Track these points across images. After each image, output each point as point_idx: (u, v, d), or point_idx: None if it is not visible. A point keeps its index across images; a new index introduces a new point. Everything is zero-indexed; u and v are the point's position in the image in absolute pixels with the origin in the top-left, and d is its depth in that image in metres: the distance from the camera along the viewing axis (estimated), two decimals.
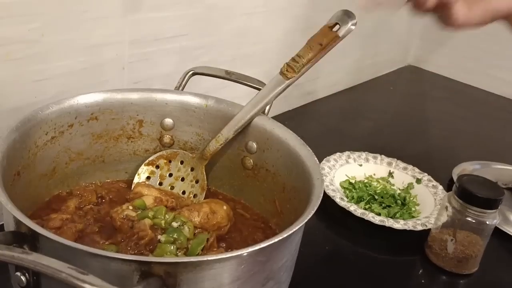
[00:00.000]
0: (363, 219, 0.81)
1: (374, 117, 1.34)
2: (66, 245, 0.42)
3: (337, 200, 0.84)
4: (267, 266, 0.49)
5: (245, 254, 0.45)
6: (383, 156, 1.00)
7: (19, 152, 0.57)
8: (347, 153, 0.98)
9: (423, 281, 0.77)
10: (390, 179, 0.96)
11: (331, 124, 1.29)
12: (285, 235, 0.47)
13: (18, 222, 0.44)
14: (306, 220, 0.49)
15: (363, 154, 0.99)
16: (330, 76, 1.35)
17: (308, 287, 0.69)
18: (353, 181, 0.92)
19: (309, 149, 0.63)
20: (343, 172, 0.94)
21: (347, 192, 0.89)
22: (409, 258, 0.81)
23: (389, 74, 1.63)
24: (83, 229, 0.60)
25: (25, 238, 0.44)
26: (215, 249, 0.61)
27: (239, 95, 0.95)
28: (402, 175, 0.96)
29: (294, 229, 0.48)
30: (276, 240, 0.46)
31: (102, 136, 0.69)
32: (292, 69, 0.66)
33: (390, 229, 0.81)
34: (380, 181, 0.95)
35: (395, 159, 0.99)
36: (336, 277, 0.74)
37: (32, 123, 0.59)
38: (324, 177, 0.75)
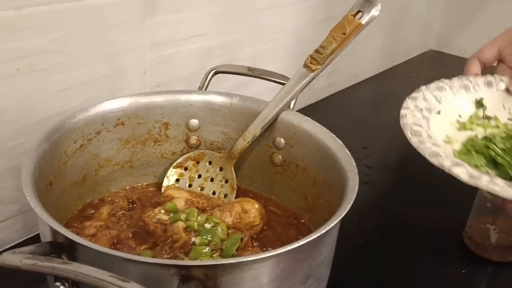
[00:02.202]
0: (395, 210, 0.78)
1: (399, 106, 1.31)
2: (105, 253, 0.41)
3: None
4: (305, 264, 0.48)
5: (283, 252, 0.44)
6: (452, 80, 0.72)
7: (50, 162, 0.57)
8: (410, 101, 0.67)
9: (463, 271, 0.75)
10: (481, 110, 0.71)
11: (355, 115, 1.26)
12: (322, 231, 0.46)
13: (54, 232, 0.44)
14: (343, 215, 0.48)
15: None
16: (351, 66, 1.33)
17: (345, 280, 0.68)
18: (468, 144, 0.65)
19: (339, 141, 0.61)
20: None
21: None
22: (446, 248, 0.79)
23: (410, 61, 1.60)
24: (117, 235, 0.60)
25: (62, 248, 0.44)
26: (249, 248, 0.61)
27: (261, 92, 0.95)
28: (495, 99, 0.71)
29: (332, 225, 0.47)
30: (314, 237, 0.45)
31: (129, 141, 0.69)
32: (316, 61, 0.65)
33: (422, 218, 0.78)
34: (476, 122, 0.70)
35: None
36: (372, 269, 0.73)
37: (61, 133, 0.59)
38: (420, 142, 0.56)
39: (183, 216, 0.61)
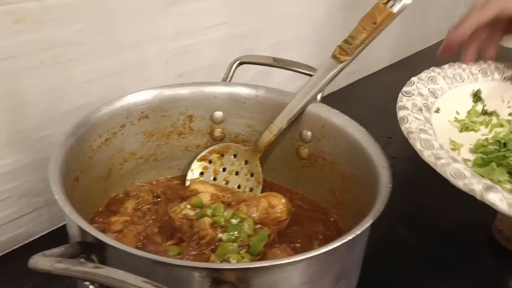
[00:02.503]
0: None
1: None
2: (135, 255, 0.40)
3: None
4: (339, 265, 0.47)
5: (317, 255, 0.42)
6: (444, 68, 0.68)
7: (76, 157, 0.56)
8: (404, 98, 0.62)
9: (493, 265, 0.73)
10: (479, 105, 0.66)
11: (378, 103, 1.23)
12: (358, 232, 0.45)
13: (83, 232, 0.44)
14: (378, 215, 0.47)
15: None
16: (373, 53, 1.30)
17: (373, 276, 0.66)
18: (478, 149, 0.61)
19: (370, 135, 0.60)
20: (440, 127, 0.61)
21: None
22: (475, 242, 0.77)
23: (433, 47, 1.56)
24: (143, 230, 0.60)
25: (92, 248, 0.43)
26: (277, 245, 0.60)
27: (283, 81, 0.93)
28: (492, 91, 0.67)
29: (366, 225, 0.46)
30: (349, 238, 0.44)
31: (153, 134, 0.68)
32: (345, 51, 0.63)
33: (450, 211, 0.76)
34: (476, 119, 0.66)
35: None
36: (400, 264, 0.71)
37: (87, 127, 0.58)
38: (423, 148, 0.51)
39: (209, 212, 0.60)
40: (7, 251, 0.71)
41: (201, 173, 0.71)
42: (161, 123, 0.68)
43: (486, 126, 0.68)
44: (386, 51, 1.35)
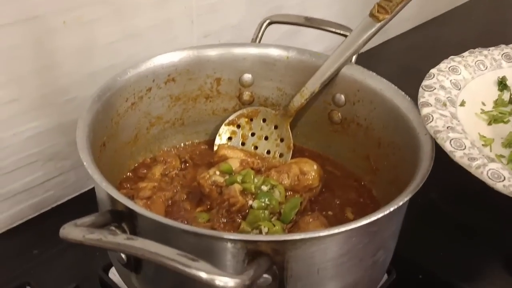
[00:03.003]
0: None
1: (455, 52, 1.22)
2: (168, 225, 0.39)
3: None
4: (377, 236, 0.45)
5: (357, 227, 0.40)
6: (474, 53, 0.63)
7: (103, 122, 0.55)
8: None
9: None
10: (505, 93, 0.62)
11: (408, 63, 1.18)
12: (400, 203, 0.42)
13: (114, 201, 0.42)
14: (421, 185, 0.44)
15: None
16: (402, 11, 1.24)
17: (408, 244, 0.64)
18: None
19: (410, 100, 0.56)
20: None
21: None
22: (509, 210, 0.74)
23: (466, 4, 1.48)
24: (171, 197, 0.58)
25: (122, 217, 0.42)
26: (309, 212, 0.58)
27: (312, 41, 0.89)
28: None
29: (408, 197, 0.43)
30: (391, 209, 0.42)
31: (180, 98, 0.66)
32: (385, 9, 0.59)
33: None
34: (504, 110, 0.62)
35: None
36: (436, 234, 0.69)
37: (112, 91, 0.56)
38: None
39: (239, 178, 0.58)
40: (35, 215, 0.71)
41: (229, 138, 0.69)
42: (188, 87, 0.65)
43: None
44: (415, 9, 1.29)
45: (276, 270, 0.40)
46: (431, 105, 0.53)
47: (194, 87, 0.66)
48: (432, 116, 0.51)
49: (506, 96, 0.66)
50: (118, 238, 0.35)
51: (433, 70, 0.58)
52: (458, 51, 1.18)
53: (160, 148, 0.67)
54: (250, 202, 0.56)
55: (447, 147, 0.46)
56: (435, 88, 0.56)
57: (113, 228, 0.42)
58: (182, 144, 0.69)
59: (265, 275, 0.39)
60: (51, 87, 0.64)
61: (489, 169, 0.44)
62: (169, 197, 0.58)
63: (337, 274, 0.44)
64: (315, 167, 0.62)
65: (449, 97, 0.57)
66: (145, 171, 0.63)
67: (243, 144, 0.68)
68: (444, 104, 0.55)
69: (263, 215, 0.55)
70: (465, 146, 0.47)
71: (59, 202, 0.73)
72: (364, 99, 0.61)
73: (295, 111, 0.65)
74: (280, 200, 0.57)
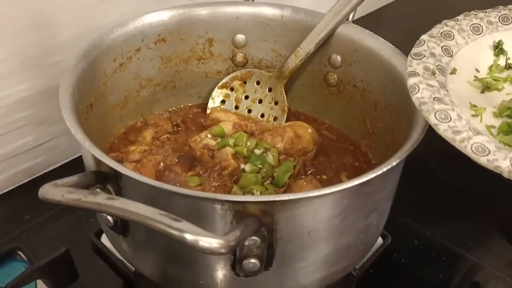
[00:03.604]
0: None
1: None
2: (153, 186, 0.38)
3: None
4: (370, 198, 0.44)
5: (348, 187, 0.39)
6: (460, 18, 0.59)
7: (89, 82, 0.53)
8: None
9: None
10: (501, 58, 0.59)
11: (411, 28, 1.14)
12: (394, 164, 0.41)
13: (98, 161, 0.41)
14: (415, 146, 0.43)
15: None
16: None
17: (404, 208, 0.63)
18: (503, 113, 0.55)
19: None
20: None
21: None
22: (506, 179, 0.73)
23: None
24: (162, 160, 0.57)
25: (107, 178, 0.41)
26: (303, 176, 0.57)
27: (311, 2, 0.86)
28: None
29: (402, 157, 0.42)
30: (384, 170, 0.40)
31: (171, 59, 0.64)
32: None
33: None
34: (499, 75, 0.59)
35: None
36: (433, 198, 0.68)
37: (99, 50, 0.54)
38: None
39: (231, 141, 0.57)
40: (26, 180, 0.70)
41: (223, 101, 0.67)
42: (179, 47, 0.63)
43: (511, 83, 0.59)
44: None
45: (265, 232, 0.39)
46: (419, 75, 0.50)
47: (186, 48, 0.64)
48: (418, 86, 0.48)
49: (502, 61, 0.63)
50: (98, 198, 0.34)
51: (424, 36, 0.55)
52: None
53: (151, 112, 0.65)
54: (243, 165, 0.55)
55: (432, 119, 0.44)
56: (424, 56, 0.53)
57: (98, 190, 0.41)
58: (174, 108, 0.67)
59: (253, 237, 0.38)
60: (38, 48, 0.62)
61: (474, 143, 0.42)
62: (159, 160, 0.57)
63: (329, 236, 0.43)
64: (309, 130, 0.60)
65: (439, 65, 0.53)
66: (136, 135, 0.61)
67: (236, 107, 0.67)
68: (433, 73, 0.52)
69: (255, 178, 0.54)
70: (451, 118, 0.45)
71: (50, 168, 0.72)
72: (361, 59, 0.59)
73: (289, 73, 0.63)
74: (273, 163, 0.56)
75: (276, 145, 0.58)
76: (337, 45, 0.61)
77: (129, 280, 0.55)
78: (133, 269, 0.53)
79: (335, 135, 0.64)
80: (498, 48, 0.62)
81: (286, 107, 0.65)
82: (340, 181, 0.58)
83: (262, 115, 0.66)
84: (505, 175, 0.41)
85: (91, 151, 0.40)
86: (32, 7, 0.59)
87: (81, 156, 0.72)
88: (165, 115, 0.65)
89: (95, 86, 0.54)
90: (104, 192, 0.41)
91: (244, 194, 0.53)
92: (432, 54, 0.53)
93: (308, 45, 0.60)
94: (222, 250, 0.32)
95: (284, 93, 0.64)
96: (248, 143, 0.57)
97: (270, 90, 0.65)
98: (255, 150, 0.57)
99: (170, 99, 0.66)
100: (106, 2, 0.65)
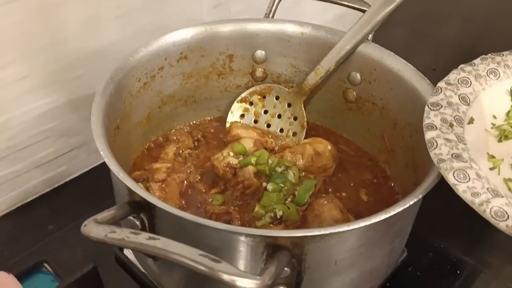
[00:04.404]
0: None
1: (471, 16, 1.18)
2: (186, 219, 0.39)
3: None
4: (395, 226, 0.45)
5: (376, 222, 0.40)
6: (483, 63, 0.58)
7: (116, 105, 0.54)
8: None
9: None
10: None
11: (419, 28, 1.15)
12: (420, 197, 0.42)
13: (131, 192, 0.42)
14: (441, 176, 0.44)
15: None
16: None
17: (420, 224, 0.65)
18: None
19: (429, 82, 0.55)
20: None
21: None
22: None
23: None
24: (186, 178, 0.58)
25: (141, 207, 0.42)
26: (323, 195, 0.58)
27: (328, 18, 0.86)
28: None
29: (428, 189, 0.43)
30: (411, 203, 0.41)
31: (192, 75, 0.64)
32: None
33: None
34: None
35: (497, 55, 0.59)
36: (447, 211, 0.69)
37: (125, 72, 0.55)
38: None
39: (253, 160, 0.58)
40: (48, 190, 0.71)
41: (242, 115, 0.68)
42: (200, 64, 0.64)
43: None
44: None
45: (294, 262, 0.40)
46: (436, 128, 0.50)
47: (207, 64, 0.64)
48: (436, 142, 0.48)
49: None
50: (140, 238, 0.35)
51: (441, 84, 0.55)
52: (473, 15, 1.13)
53: (172, 126, 0.66)
54: (265, 184, 0.56)
55: (450, 179, 0.45)
56: (441, 106, 0.52)
57: (131, 218, 0.42)
58: (194, 122, 0.68)
59: (284, 268, 0.40)
60: (59, 63, 0.63)
61: (492, 207, 0.43)
62: (183, 179, 0.58)
63: (355, 263, 0.44)
64: (329, 147, 0.61)
65: (456, 115, 0.53)
66: (159, 151, 0.62)
67: (255, 121, 0.68)
68: (451, 125, 0.52)
69: (277, 197, 0.55)
70: (469, 178, 0.45)
71: (71, 177, 0.73)
72: (380, 78, 0.60)
73: (309, 90, 0.64)
74: (294, 181, 0.57)
75: (297, 163, 0.59)
76: (357, 63, 0.61)
77: None
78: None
79: (354, 150, 0.66)
80: None
81: (305, 123, 0.66)
82: (359, 199, 0.60)
83: (281, 130, 0.67)
84: None
85: (126, 183, 0.41)
86: (52, 23, 0.60)
87: (100, 164, 0.74)
88: (186, 130, 0.66)
89: (121, 108, 0.55)
90: (138, 221, 0.42)
91: (266, 213, 0.54)
92: (450, 104, 0.53)
93: (328, 63, 0.61)
94: None
95: (303, 109, 0.65)
96: (270, 161, 0.58)
97: (289, 105, 0.66)
98: (276, 168, 0.58)
99: (190, 113, 0.68)
100: (123, 17, 0.66)
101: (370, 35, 0.60)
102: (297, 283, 0.42)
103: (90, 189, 0.70)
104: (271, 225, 0.53)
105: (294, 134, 0.66)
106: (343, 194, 0.59)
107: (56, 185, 0.72)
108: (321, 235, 0.39)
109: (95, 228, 0.36)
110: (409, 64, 0.57)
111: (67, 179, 0.73)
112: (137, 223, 0.41)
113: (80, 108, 0.67)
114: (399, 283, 0.60)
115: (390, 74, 0.58)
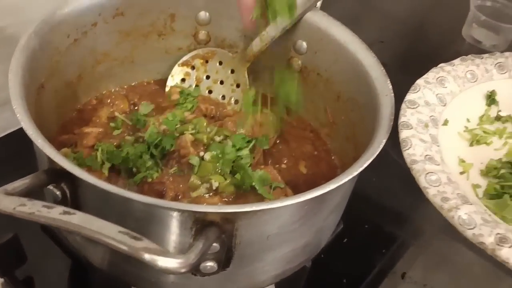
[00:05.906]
0: None
1: None
2: (111, 192, 0.36)
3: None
4: (331, 202, 0.44)
5: (312, 198, 0.39)
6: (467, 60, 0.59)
7: (41, 61, 0.49)
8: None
9: None
10: (493, 108, 0.59)
11: (372, 2, 1.14)
12: (359, 170, 0.41)
13: (50, 159, 0.39)
14: (379, 151, 0.43)
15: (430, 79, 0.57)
16: None
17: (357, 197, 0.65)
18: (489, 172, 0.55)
19: (375, 56, 0.53)
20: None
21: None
22: None
23: None
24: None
25: (62, 176, 0.39)
26: (262, 166, 0.56)
27: None
28: (509, 91, 0.60)
29: (367, 163, 0.42)
30: (347, 179, 0.40)
31: (130, 34, 0.60)
32: None
33: None
34: (489, 127, 0.59)
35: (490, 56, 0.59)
36: (385, 184, 0.70)
37: (51, 26, 0.50)
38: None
39: (190, 128, 0.55)
40: None
41: (183, 80, 0.65)
42: (138, 22, 0.60)
43: (500, 137, 0.60)
44: None
45: (224, 238, 0.39)
46: (412, 127, 0.49)
47: (146, 22, 0.60)
48: (411, 141, 0.48)
49: (493, 112, 0.63)
50: (52, 213, 0.32)
51: (420, 81, 0.54)
52: None
53: (106, 88, 0.62)
54: (202, 153, 0.54)
55: (422, 182, 0.44)
56: (418, 105, 0.52)
57: (51, 188, 0.39)
58: (131, 84, 0.64)
59: (213, 244, 0.38)
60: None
61: (460, 215, 0.43)
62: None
63: (288, 239, 0.43)
64: (271, 118, 0.60)
65: (432, 116, 0.53)
66: (91, 114, 0.58)
67: (196, 86, 0.64)
68: (426, 126, 0.52)
69: (214, 168, 0.53)
70: (440, 182, 0.45)
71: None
72: (326, 49, 0.58)
73: (253, 56, 0.61)
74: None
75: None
76: (304, 31, 0.59)
77: (79, 260, 0.54)
78: None
79: (296, 121, 0.64)
80: (491, 98, 0.63)
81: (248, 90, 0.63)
82: (298, 171, 0.58)
83: (223, 97, 0.64)
84: (489, 252, 0.42)
85: (44, 151, 0.38)
86: None
87: (18, 130, 0.68)
88: (122, 93, 0.62)
89: (47, 65, 0.51)
90: (58, 190, 0.39)
91: (202, 184, 0.52)
92: (427, 103, 0.52)
93: (274, 30, 0.58)
94: (183, 270, 0.32)
95: (246, 76, 0.63)
96: (208, 130, 0.56)
97: (232, 71, 0.64)
98: (215, 137, 0.55)
99: (127, 74, 0.63)
100: None
101: (318, 2, 0.58)
102: (227, 258, 0.41)
103: (13, 154, 0.64)
104: (206, 196, 0.51)
105: (236, 101, 0.64)
106: (283, 166, 0.58)
107: None
108: (253, 211, 0.37)
109: (4, 199, 0.32)
110: (356, 36, 0.56)
111: None
112: (57, 193, 0.38)
113: (5, 61, 0.62)
114: (334, 255, 0.61)
115: (337, 45, 0.57)
